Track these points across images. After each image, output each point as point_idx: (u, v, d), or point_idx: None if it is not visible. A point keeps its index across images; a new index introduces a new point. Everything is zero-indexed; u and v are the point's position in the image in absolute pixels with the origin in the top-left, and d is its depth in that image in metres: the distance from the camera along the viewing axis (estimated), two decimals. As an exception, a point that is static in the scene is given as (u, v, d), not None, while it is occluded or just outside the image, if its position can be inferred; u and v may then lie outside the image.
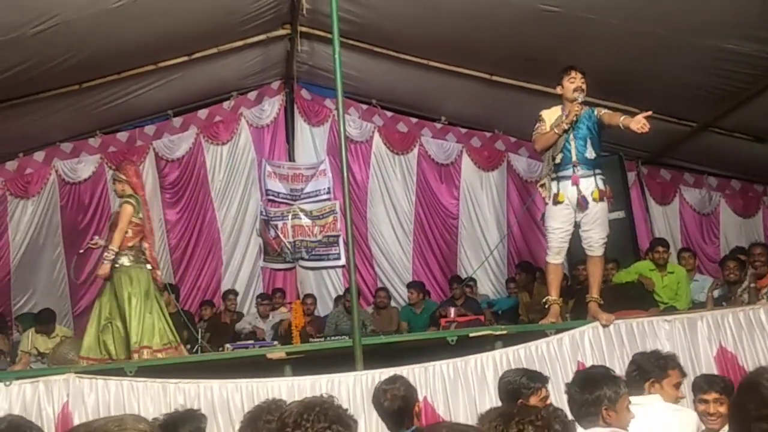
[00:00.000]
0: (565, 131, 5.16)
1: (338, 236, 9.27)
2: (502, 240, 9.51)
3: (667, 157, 9.67)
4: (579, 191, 5.13)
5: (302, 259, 9.36)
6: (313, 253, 9.35)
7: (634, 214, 8.73)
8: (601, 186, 5.20)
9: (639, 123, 4.80)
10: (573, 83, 5.19)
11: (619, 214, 7.84)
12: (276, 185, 9.43)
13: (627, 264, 7.11)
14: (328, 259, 9.38)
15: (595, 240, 5.22)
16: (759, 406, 1.41)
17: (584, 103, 5.27)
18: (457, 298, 8.26)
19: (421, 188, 9.76)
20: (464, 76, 8.23)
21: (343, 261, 9.17)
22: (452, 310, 7.62)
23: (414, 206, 9.73)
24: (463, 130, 9.87)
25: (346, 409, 2.18)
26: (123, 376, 4.65)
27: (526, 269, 8.34)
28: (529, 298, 7.86)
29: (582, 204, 5.13)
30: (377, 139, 9.70)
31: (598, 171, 5.24)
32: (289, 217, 9.35)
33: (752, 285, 6.32)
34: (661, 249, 6.80)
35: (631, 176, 9.48)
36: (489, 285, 9.63)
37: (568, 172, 5.20)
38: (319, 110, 9.66)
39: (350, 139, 9.36)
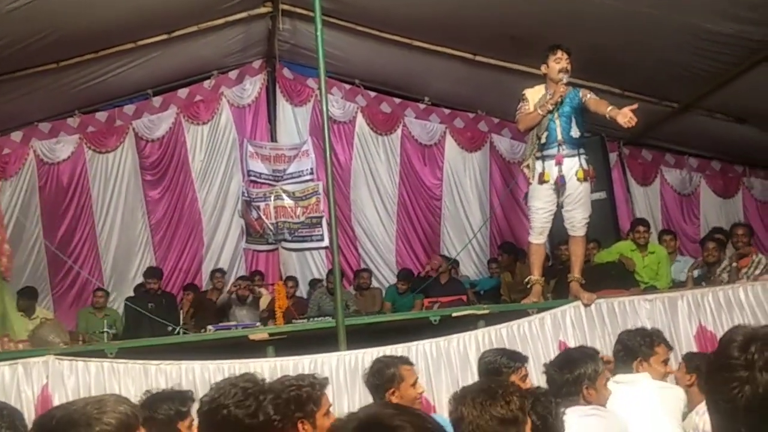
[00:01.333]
0: (550, 111, 5.14)
1: (321, 217, 9.24)
2: (485, 222, 9.53)
3: (649, 138, 9.71)
4: (560, 170, 5.13)
5: (285, 240, 9.32)
6: (296, 234, 9.31)
7: (616, 195, 8.78)
8: (585, 166, 5.20)
9: (626, 117, 4.75)
10: (559, 63, 5.16)
11: (601, 195, 7.87)
12: (258, 166, 9.36)
13: (608, 244, 7.15)
14: (311, 241, 9.35)
15: (577, 220, 5.23)
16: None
17: (568, 83, 5.25)
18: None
19: (404, 169, 9.75)
20: (448, 56, 8.19)
21: (326, 242, 9.15)
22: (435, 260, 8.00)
23: (397, 187, 9.71)
24: (447, 111, 9.85)
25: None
26: (103, 358, 4.61)
27: (508, 250, 8.37)
28: (512, 278, 7.89)
29: (560, 184, 5.13)
30: (360, 119, 9.65)
31: (582, 151, 5.24)
32: (272, 198, 9.29)
33: (733, 264, 6.38)
34: (641, 229, 6.84)
35: (613, 157, 9.52)
36: (472, 265, 9.66)
37: (553, 151, 5.19)
38: (302, 90, 9.57)
39: (333, 119, 9.29)
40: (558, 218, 5.41)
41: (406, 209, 9.70)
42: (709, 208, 10.01)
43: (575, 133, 5.19)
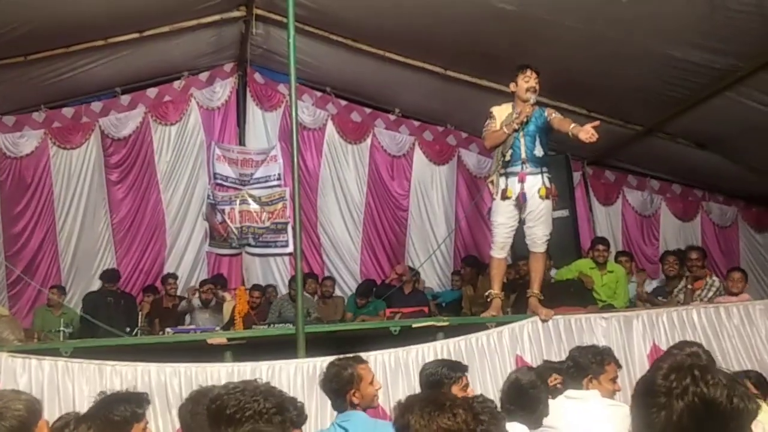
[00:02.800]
0: (515, 130, 5.24)
1: (287, 223, 9.21)
2: (450, 234, 9.60)
3: (612, 159, 9.89)
4: (522, 188, 5.22)
5: (249, 245, 9.28)
6: (260, 239, 9.27)
7: (578, 213, 8.91)
8: (548, 184, 5.31)
9: (588, 133, 4.88)
10: (527, 82, 5.27)
11: (564, 213, 7.99)
12: (225, 169, 9.32)
13: (569, 261, 7.26)
14: (276, 246, 9.32)
15: (538, 236, 5.33)
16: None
17: (535, 102, 5.36)
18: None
19: (372, 179, 9.79)
20: (419, 70, 8.27)
21: (290, 248, 9.13)
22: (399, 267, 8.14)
23: (365, 196, 9.75)
24: (416, 123, 9.93)
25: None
26: (58, 357, 4.55)
27: (471, 263, 8.44)
28: (473, 291, 7.96)
29: (522, 201, 5.22)
30: (330, 127, 9.68)
31: (545, 169, 5.35)
32: (237, 202, 9.25)
33: (688, 286, 6.54)
34: (601, 247, 6.96)
35: (577, 176, 9.68)
36: (435, 277, 9.72)
37: (517, 168, 5.30)
38: (272, 95, 9.57)
39: (303, 125, 9.32)
40: (520, 234, 5.50)
41: (373, 218, 9.73)
42: (669, 229, 10.21)
43: (539, 152, 5.30)
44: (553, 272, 7.44)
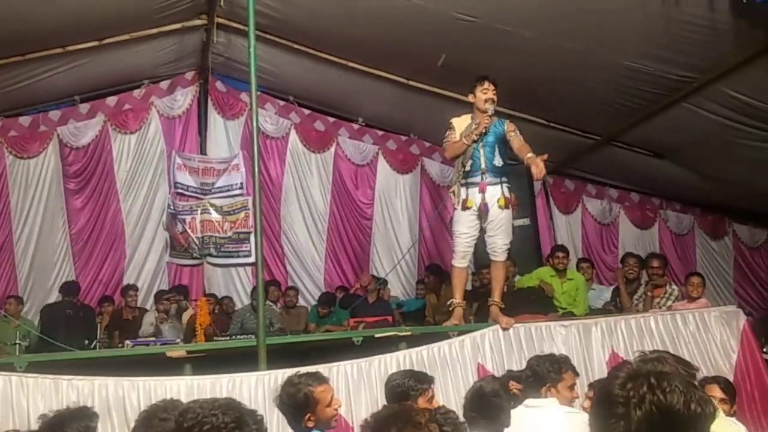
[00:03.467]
0: (474, 141, 5.29)
1: (249, 233, 9.11)
2: (414, 243, 9.63)
3: (572, 168, 10.03)
4: (483, 198, 5.26)
5: (210, 255, 9.19)
6: (222, 249, 9.18)
7: (539, 222, 9.01)
8: (507, 194, 5.35)
9: (537, 168, 5.02)
10: (485, 94, 5.32)
11: (525, 221, 8.07)
12: (185, 178, 9.20)
13: (530, 269, 7.33)
14: (238, 256, 9.23)
15: (498, 246, 5.37)
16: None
17: (494, 113, 5.40)
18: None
19: (336, 188, 9.78)
20: (382, 79, 8.30)
21: (253, 258, 9.05)
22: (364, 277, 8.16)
23: (329, 206, 9.73)
24: (380, 133, 9.95)
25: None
26: (11, 371, 4.42)
27: (434, 271, 8.47)
28: (437, 300, 7.98)
29: (483, 211, 5.27)
30: (293, 136, 9.65)
31: (504, 179, 5.39)
32: (198, 211, 9.14)
33: (648, 294, 6.64)
34: (560, 255, 7.05)
35: (537, 185, 9.78)
36: (399, 286, 9.73)
37: (477, 179, 5.34)
38: (234, 103, 9.50)
39: (266, 134, 9.30)
40: (482, 243, 5.53)
41: (337, 228, 9.71)
42: (628, 237, 10.37)
43: (498, 162, 5.35)
44: (517, 279, 7.51)
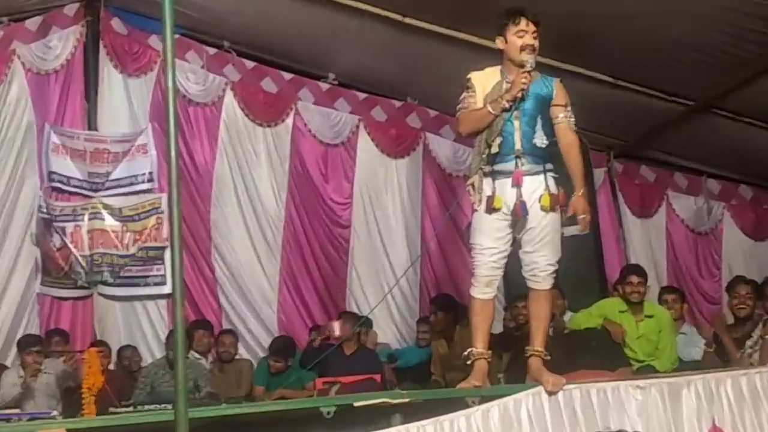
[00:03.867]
0: (506, 110, 5.28)
1: (164, 248, 9.11)
2: (413, 263, 9.63)
3: (652, 149, 10.09)
4: (519, 194, 5.26)
5: (104, 282, 9.17)
6: (122, 274, 9.17)
7: (602, 230, 9.06)
8: (554, 188, 5.33)
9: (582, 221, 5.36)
10: (522, 38, 5.30)
11: (579, 229, 8.11)
12: (66, 166, 9.18)
13: (588, 302, 7.34)
14: (147, 285, 9.22)
15: (541, 267, 5.35)
16: None
17: (536, 67, 5.41)
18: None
19: (295, 179, 9.82)
20: (366, 16, 8.32)
21: (169, 287, 9.03)
22: (336, 326, 8.02)
23: (284, 206, 9.78)
24: (362, 96, 10.00)
25: None
26: None
27: (444, 306, 8.44)
28: (448, 348, 7.98)
29: (519, 213, 5.26)
30: (230, 101, 9.68)
31: (549, 166, 5.37)
32: (85, 216, 9.12)
33: (766, 337, 6.66)
34: (635, 280, 7.03)
35: (599, 174, 9.82)
36: (392, 328, 9.74)
37: (509, 165, 5.31)
38: (140, 52, 9.49)
39: (188, 98, 9.35)
40: (515, 262, 5.54)
41: (297, 240, 9.74)
42: (736, 252, 10.47)
43: (541, 141, 5.32)
44: (567, 317, 7.50)
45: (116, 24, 9.48)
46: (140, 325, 9.27)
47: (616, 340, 6.70)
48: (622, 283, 7.19)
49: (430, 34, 8.35)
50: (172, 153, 5.08)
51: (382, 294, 9.33)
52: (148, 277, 9.24)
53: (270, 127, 9.79)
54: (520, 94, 5.25)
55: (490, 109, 5.29)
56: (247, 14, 8.93)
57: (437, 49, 8.43)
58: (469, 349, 5.47)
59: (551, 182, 5.35)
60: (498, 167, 5.32)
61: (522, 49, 5.27)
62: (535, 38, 5.31)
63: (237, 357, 8.65)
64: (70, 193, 9.26)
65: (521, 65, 5.27)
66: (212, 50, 9.56)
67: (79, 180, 9.26)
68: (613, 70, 8.22)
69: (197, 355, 8.19)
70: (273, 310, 9.58)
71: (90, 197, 9.26)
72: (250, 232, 9.65)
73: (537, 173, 5.32)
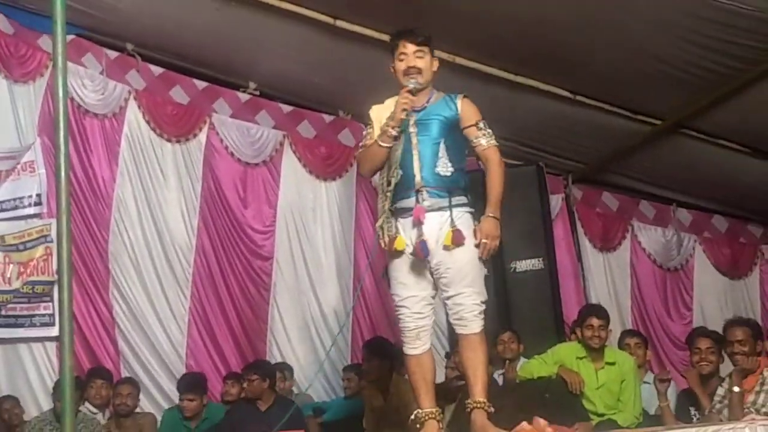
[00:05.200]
0: (395, 138, 5.28)
1: (53, 283, 8.98)
2: (350, 303, 9.62)
3: (615, 174, 10.20)
4: (420, 233, 5.22)
5: (-19, 323, 9.04)
6: (4, 312, 8.99)
7: (559, 265, 9.06)
8: (462, 223, 5.21)
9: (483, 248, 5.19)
10: (402, 61, 5.37)
11: (535, 264, 8.15)
12: (-65, 185, 9.08)
13: (543, 347, 7.38)
14: (32, 325, 9.05)
15: (467, 308, 5.26)
16: None
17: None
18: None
19: (209, 203, 9.81)
20: (292, 18, 8.36)
21: (58, 329, 8.91)
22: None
23: (196, 234, 9.75)
24: (287, 109, 10.05)
25: None
26: None
27: (378, 351, 8.38)
28: (383, 400, 7.95)
29: (420, 253, 5.23)
30: (134, 112, 9.60)
31: (458, 200, 5.31)
32: (-40, 246, 9.01)
33: (735, 389, 6.72)
34: (596, 323, 7.05)
35: (556, 201, 9.90)
36: (320, 378, 9.70)
37: (410, 201, 5.28)
38: (29, 54, 9.34)
39: (84, 109, 9.27)
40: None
41: (210, 274, 9.72)
42: (709, 292, 10.64)
43: (444, 169, 5.25)
44: (521, 364, 7.53)
45: (0, 21, 9.37)
46: (24, 372, 9.08)
47: (573, 391, 6.73)
48: (581, 326, 7.20)
49: (365, 39, 8.43)
50: (62, 172, 5.02)
51: (308, 337, 9.34)
52: (34, 316, 9.06)
53: (180, 143, 9.74)
54: (403, 115, 5.27)
55: (380, 141, 5.32)
56: (155, 14, 8.88)
57: (373, 56, 8.40)
58: (415, 411, 5.42)
59: (459, 216, 5.31)
60: (400, 204, 5.31)
61: (405, 73, 5.34)
62: (420, 57, 5.36)
63: (137, 410, 8.53)
64: (-58, 218, 9.15)
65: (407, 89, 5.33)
66: (114, 54, 9.50)
67: (-47, 203, 9.16)
68: (572, 84, 8.32)
69: (93, 409, 8.08)
70: (181, 355, 9.48)
71: (-34, 223, 9.14)
72: (155, 264, 9.55)
73: (442, 208, 5.30)
